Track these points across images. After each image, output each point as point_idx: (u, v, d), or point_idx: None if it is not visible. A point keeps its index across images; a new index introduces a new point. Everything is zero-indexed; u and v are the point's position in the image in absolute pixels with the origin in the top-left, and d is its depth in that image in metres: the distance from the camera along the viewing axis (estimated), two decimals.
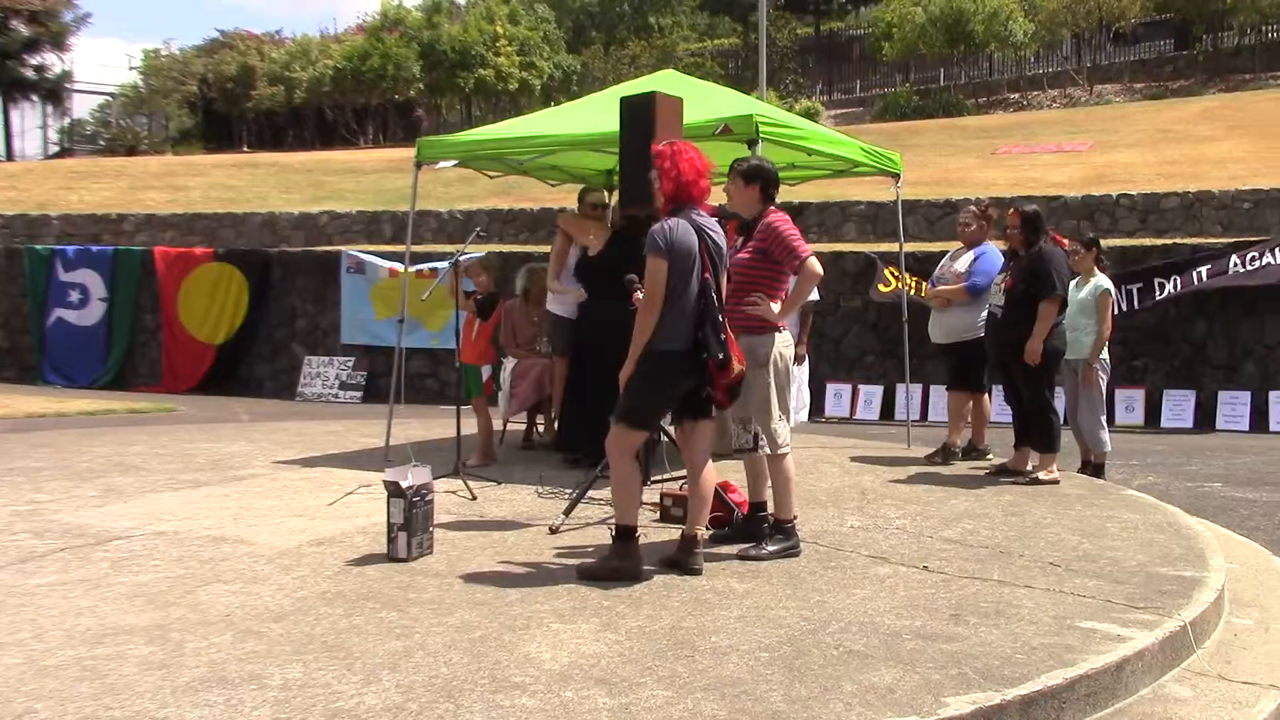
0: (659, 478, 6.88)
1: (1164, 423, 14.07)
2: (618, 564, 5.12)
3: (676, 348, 5.11)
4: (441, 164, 8.98)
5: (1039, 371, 7.80)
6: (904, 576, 5.30)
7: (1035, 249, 7.84)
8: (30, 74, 44.88)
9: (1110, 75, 34.00)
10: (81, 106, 66.82)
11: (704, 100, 8.60)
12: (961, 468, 8.60)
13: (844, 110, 38.37)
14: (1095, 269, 8.55)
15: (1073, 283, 8.59)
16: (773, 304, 5.56)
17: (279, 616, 4.57)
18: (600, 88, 40.96)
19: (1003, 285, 7.98)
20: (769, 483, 5.72)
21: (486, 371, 8.64)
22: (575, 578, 5.17)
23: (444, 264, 11.15)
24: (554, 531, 6.10)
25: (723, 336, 5.13)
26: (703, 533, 5.37)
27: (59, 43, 44.68)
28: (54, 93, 45.98)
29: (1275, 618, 5.34)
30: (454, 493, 7.20)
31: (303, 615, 4.58)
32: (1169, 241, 15.92)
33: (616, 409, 5.18)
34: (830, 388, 15.79)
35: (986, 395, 8.94)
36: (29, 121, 62.81)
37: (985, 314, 8.32)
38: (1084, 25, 32.14)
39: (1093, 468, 8.59)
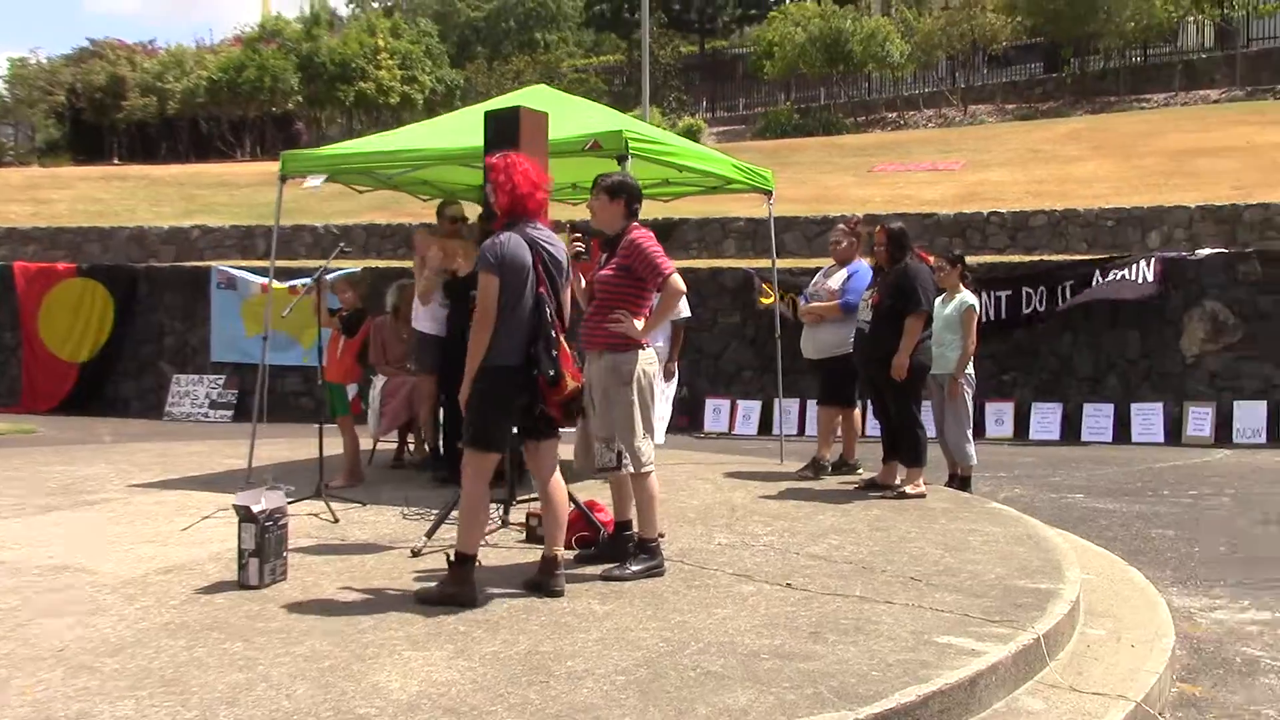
0: (524, 497, 6.77)
1: (1032, 435, 14.39)
2: (453, 590, 5.00)
3: (511, 363, 5.03)
4: (310, 181, 8.76)
5: (906, 386, 7.90)
6: (767, 594, 5.28)
7: (901, 265, 7.94)
8: None
9: (984, 96, 34.90)
10: None
11: (576, 116, 8.57)
12: (831, 482, 8.66)
13: (727, 128, 38.75)
14: (960, 285, 8.70)
15: (939, 299, 8.74)
16: (636, 321, 5.52)
17: (116, 650, 4.36)
18: (482, 103, 40.87)
19: (870, 301, 8.07)
20: (634, 501, 5.66)
21: (353, 390, 8.46)
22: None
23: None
24: (416, 554, 5.97)
25: (555, 353, 5.04)
26: (562, 553, 5.29)
27: None
28: None
29: (1127, 627, 5.45)
30: (316, 515, 7.02)
31: (142, 648, 4.38)
32: (1036, 258, 16.37)
33: (464, 433, 5.09)
34: (709, 403, 15.85)
35: (857, 410, 9.04)
36: None
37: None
38: (958, 47, 32.94)
39: (959, 481, 8.72)
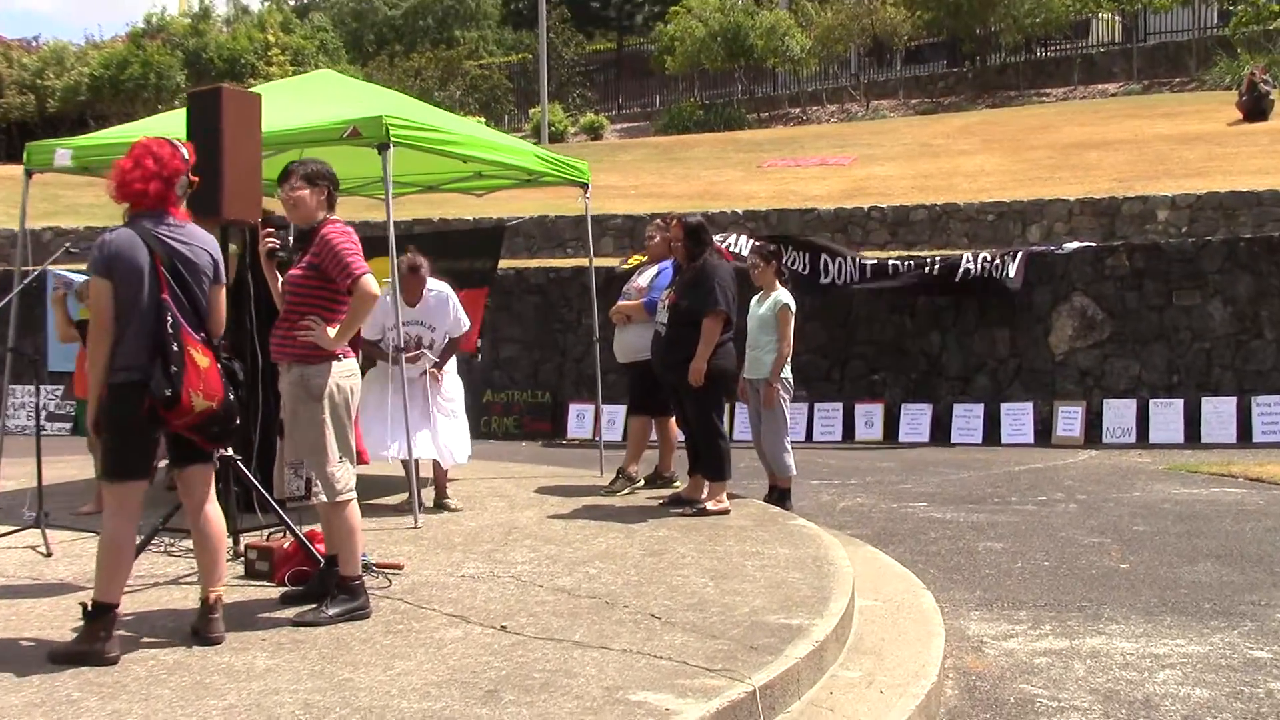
0: (246, 529, 6.03)
1: (902, 437, 13.89)
2: (82, 648, 4.26)
3: (125, 379, 4.30)
4: (59, 159, 7.89)
5: (705, 394, 7.27)
6: (473, 640, 4.59)
7: (699, 262, 7.31)
8: None
9: (887, 91, 34.55)
10: None
11: (357, 101, 7.84)
12: (640, 498, 8.02)
13: (632, 124, 38.13)
14: (776, 283, 8.08)
15: (754, 298, 8.14)
16: (330, 329, 4.81)
17: None
18: None
19: (667, 302, 7.43)
20: (332, 535, 4.96)
21: None
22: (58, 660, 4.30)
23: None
24: None
25: (175, 369, 4.27)
26: (218, 594, 4.56)
27: None
28: None
29: (888, 667, 4.83)
30: (33, 548, 6.25)
31: None
32: (918, 254, 15.86)
33: (100, 463, 4.36)
34: (573, 409, 15.23)
35: (673, 419, 8.38)
36: None
37: None
38: (858, 42, 32.55)
39: (779, 494, 8.09)
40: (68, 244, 7.35)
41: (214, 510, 4.66)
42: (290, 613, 4.92)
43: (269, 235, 5.06)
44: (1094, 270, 13.44)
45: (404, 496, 7.41)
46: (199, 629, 4.51)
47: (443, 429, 7.38)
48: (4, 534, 6.47)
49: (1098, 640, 5.59)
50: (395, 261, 7.01)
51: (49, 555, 6.12)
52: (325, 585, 5.05)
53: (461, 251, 9.75)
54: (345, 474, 4.86)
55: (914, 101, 33.22)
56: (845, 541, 7.41)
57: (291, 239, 5.19)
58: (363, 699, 3.91)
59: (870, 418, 14.16)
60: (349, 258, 4.75)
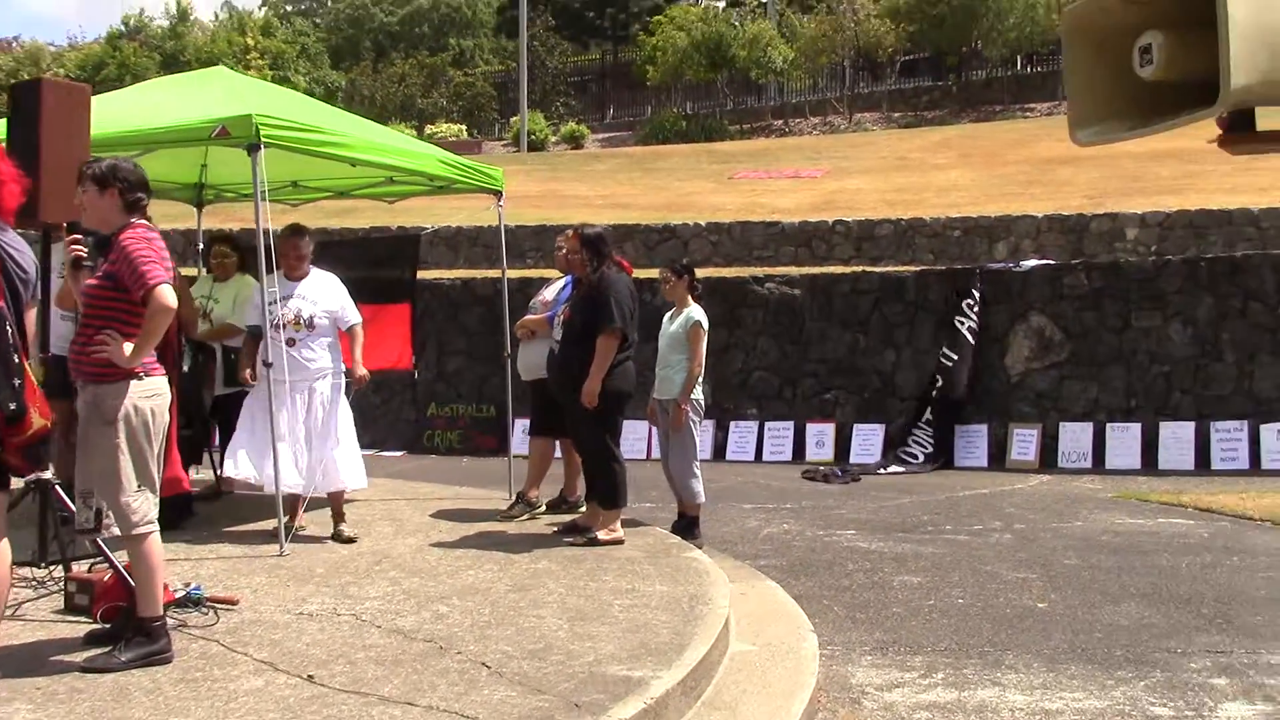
0: (78, 557, 5.58)
1: (853, 458, 13.41)
2: None
3: None
4: None
5: (598, 415, 6.83)
6: (270, 693, 4.14)
7: (595, 276, 6.87)
8: None
9: (871, 104, 34.24)
10: None
11: (242, 100, 7.40)
12: (539, 523, 7.58)
13: (614, 134, 37.82)
14: (689, 299, 7.64)
15: (667, 315, 7.72)
16: (127, 344, 4.36)
17: None
18: (367, 105, 39.51)
19: (562, 317, 7.00)
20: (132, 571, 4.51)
21: None
22: None
23: None
24: None
25: (18, 382, 3.90)
26: None
27: None
28: None
29: None
30: None
31: None
32: (883, 270, 15.43)
33: None
34: (519, 424, 14.74)
35: None
36: None
37: None
38: (841, 54, 32.20)
39: (686, 521, 7.64)
40: None
41: (4, 547, 4.21)
42: (84, 656, 4.47)
43: (74, 244, 4.63)
44: (1052, 289, 13.00)
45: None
46: None
47: (323, 454, 6.87)
48: None
49: (989, 692, 5.15)
50: (263, 274, 6.55)
51: None
52: (128, 624, 4.61)
53: (376, 262, 9.34)
54: (143, 505, 4.41)
55: (897, 115, 32.89)
56: (747, 576, 7.00)
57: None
58: None
59: (821, 437, 13.68)
60: (144, 265, 4.31)
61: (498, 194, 8.69)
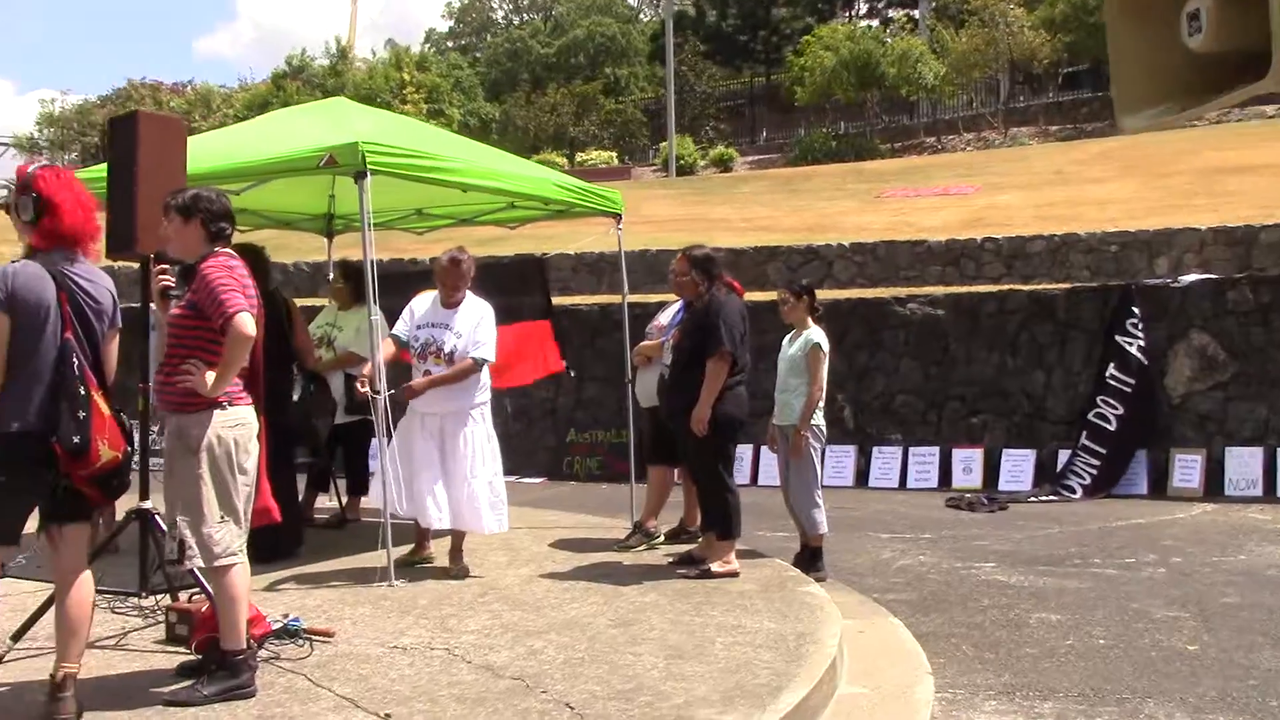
0: (183, 586, 5.59)
1: (1002, 484, 12.79)
2: None
3: (19, 428, 3.89)
4: None
5: (711, 444, 6.59)
6: None
7: (706, 298, 6.65)
8: None
9: (1027, 118, 33.20)
10: None
11: (352, 125, 7.42)
12: (657, 554, 7.37)
13: (763, 155, 37.59)
14: (808, 320, 7.35)
15: (786, 338, 7.44)
16: (210, 373, 4.33)
17: None
18: (520, 135, 40.19)
19: (671, 342, 6.79)
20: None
21: None
22: None
23: None
24: None
25: (84, 414, 3.90)
26: (70, 671, 4.09)
27: None
28: None
29: None
30: None
31: None
32: (1030, 288, 14.80)
33: None
34: None
35: None
36: None
37: None
38: (994, 67, 31.31)
39: (809, 553, 7.33)
40: None
41: (87, 578, 4.22)
42: (170, 689, 4.44)
43: (162, 273, 4.64)
44: (1214, 305, 12.21)
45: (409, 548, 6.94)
46: (49, 712, 4.05)
47: (464, 491, 6.69)
48: None
49: None
50: (373, 304, 6.50)
51: None
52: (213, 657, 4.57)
53: (500, 288, 9.32)
54: (226, 536, 4.36)
55: (1054, 128, 31.77)
56: (869, 612, 6.65)
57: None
58: None
59: (969, 463, 13.12)
60: (224, 294, 4.27)
61: (617, 217, 8.57)
